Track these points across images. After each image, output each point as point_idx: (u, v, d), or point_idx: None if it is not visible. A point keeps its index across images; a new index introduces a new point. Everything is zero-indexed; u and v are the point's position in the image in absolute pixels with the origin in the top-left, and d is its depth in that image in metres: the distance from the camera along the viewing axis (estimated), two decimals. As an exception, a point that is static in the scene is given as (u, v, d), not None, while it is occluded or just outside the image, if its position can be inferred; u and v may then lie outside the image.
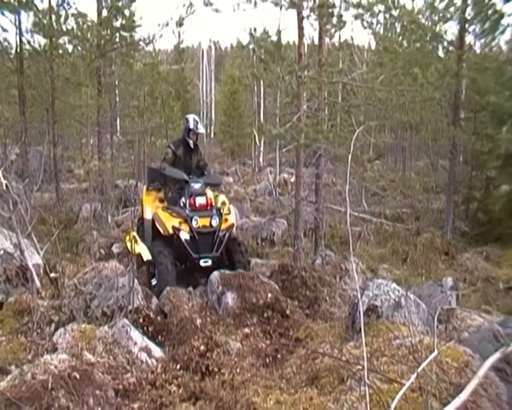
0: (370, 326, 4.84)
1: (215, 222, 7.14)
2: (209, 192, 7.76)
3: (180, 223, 7.05)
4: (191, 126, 7.75)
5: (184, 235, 6.98)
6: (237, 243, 7.58)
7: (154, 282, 6.97)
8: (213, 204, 7.45)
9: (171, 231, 7.01)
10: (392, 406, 3.12)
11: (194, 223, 7.02)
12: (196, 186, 7.40)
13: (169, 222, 7.08)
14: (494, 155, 12.01)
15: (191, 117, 7.93)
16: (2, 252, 6.14)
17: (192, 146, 7.89)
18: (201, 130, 7.95)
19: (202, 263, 6.98)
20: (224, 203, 7.51)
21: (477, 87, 12.33)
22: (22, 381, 3.81)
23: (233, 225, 7.46)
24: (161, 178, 7.84)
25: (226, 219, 7.31)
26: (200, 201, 7.27)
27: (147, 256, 6.85)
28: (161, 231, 7.16)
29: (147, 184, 8.37)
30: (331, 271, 7.91)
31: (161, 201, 7.79)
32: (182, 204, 7.32)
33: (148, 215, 7.73)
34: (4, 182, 6.19)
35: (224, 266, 7.10)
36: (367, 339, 4.32)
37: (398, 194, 16.47)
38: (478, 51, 13.53)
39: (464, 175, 13.62)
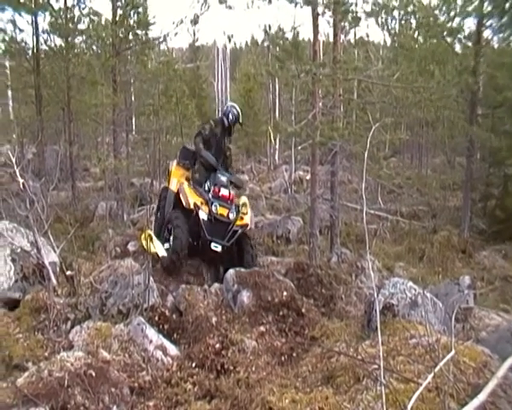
0: (386, 325, 4.81)
1: (232, 215, 7.51)
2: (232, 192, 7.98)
3: (202, 203, 7.45)
4: (225, 114, 8.23)
5: (203, 215, 7.36)
6: (247, 239, 7.85)
7: (166, 246, 7.27)
8: (234, 201, 7.77)
9: (192, 206, 7.39)
10: (409, 406, 3.08)
11: (213, 208, 7.41)
12: (223, 178, 7.77)
13: (192, 198, 7.49)
14: (512, 152, 11.85)
15: (228, 105, 8.64)
16: (19, 250, 6.20)
17: (226, 127, 8.24)
18: (230, 117, 8.18)
19: (213, 246, 7.33)
20: (244, 204, 7.80)
21: (494, 83, 12.19)
22: (39, 378, 3.85)
23: (247, 225, 7.73)
24: (192, 159, 8.27)
25: (242, 218, 7.64)
26: (223, 192, 7.62)
27: (162, 252, 6.99)
28: (183, 202, 7.52)
29: (178, 160, 8.68)
30: (347, 269, 7.87)
31: (187, 179, 8.04)
32: (206, 188, 7.72)
33: (173, 186, 8.11)
34: (21, 181, 6.25)
35: (232, 257, 7.60)
36: (383, 338, 4.28)
37: (414, 191, 16.30)
38: (495, 46, 13.35)
39: (482, 172, 13.47)
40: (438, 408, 3.37)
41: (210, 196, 7.55)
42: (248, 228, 7.86)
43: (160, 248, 7.10)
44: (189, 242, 7.39)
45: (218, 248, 7.36)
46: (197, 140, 8.00)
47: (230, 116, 8.17)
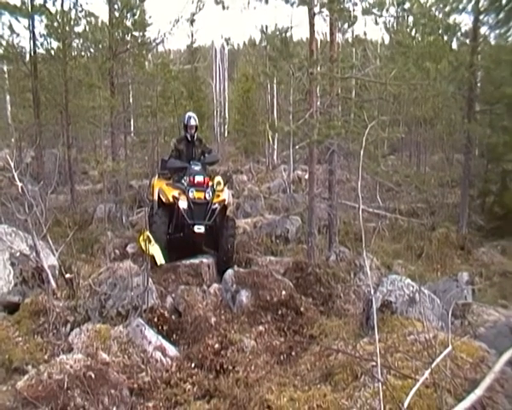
0: (385, 322, 4.83)
1: (208, 196, 8.11)
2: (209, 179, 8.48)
3: (179, 194, 8.06)
4: (185, 122, 8.87)
5: (182, 204, 7.98)
6: (227, 220, 8.48)
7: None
8: (209, 184, 8.28)
9: (171, 199, 8.06)
10: (406, 402, 3.10)
11: (190, 194, 8.02)
12: (196, 168, 8.39)
13: (170, 192, 8.15)
14: (510, 148, 11.82)
15: (186, 114, 9.06)
16: (18, 254, 6.21)
17: (190, 139, 8.82)
18: (192, 123, 8.78)
19: (196, 229, 7.90)
20: (219, 183, 8.32)
21: (492, 79, 12.19)
22: (39, 380, 3.86)
23: (224, 200, 8.35)
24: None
25: (218, 195, 8.25)
26: (198, 179, 8.20)
27: (160, 260, 7.11)
28: (163, 199, 8.21)
29: (159, 172, 9.41)
30: (345, 267, 7.87)
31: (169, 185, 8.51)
32: (183, 181, 8.28)
33: (156, 196, 8.62)
34: (20, 185, 6.26)
35: (214, 238, 8.22)
36: (381, 335, 4.30)
37: (412, 189, 16.26)
38: (493, 42, 13.34)
39: (480, 169, 13.49)
40: (435, 404, 3.39)
41: (186, 184, 8.14)
42: (226, 203, 8.45)
43: (158, 256, 7.21)
44: (176, 233, 8.08)
45: (202, 229, 7.92)
46: (167, 161, 8.80)
47: (189, 129, 8.79)
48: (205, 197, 8.08)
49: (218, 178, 8.48)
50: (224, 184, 8.59)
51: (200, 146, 8.96)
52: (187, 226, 7.93)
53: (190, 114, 9.04)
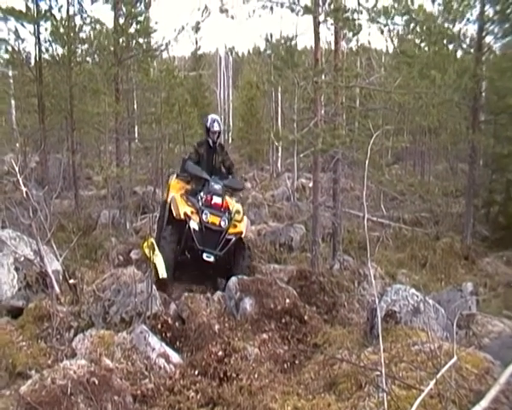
0: (389, 332, 4.81)
1: (224, 223, 7.38)
2: (228, 199, 7.90)
3: (192, 212, 7.33)
4: (208, 125, 8.12)
5: (193, 224, 7.24)
6: (243, 250, 7.69)
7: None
8: (228, 208, 7.64)
9: (182, 216, 7.29)
10: (411, 412, 3.08)
11: (204, 216, 7.30)
12: (216, 186, 7.64)
13: (182, 208, 7.38)
14: (515, 158, 11.84)
15: (210, 116, 8.39)
16: (22, 258, 6.22)
17: (212, 145, 8.17)
18: (216, 128, 8.13)
19: (205, 257, 7.20)
20: (238, 211, 7.70)
21: (496, 89, 12.19)
22: (42, 386, 3.85)
23: (241, 233, 7.59)
24: None
25: (235, 226, 7.52)
26: (216, 200, 7.50)
27: (162, 274, 6.89)
28: (174, 213, 7.45)
29: (178, 172, 8.69)
30: (349, 276, 7.85)
31: (187, 192, 7.97)
32: (199, 198, 7.56)
33: (169, 199, 7.97)
34: (24, 190, 6.28)
35: (229, 267, 7.42)
36: (385, 345, 4.28)
37: (416, 198, 16.28)
38: (498, 52, 13.34)
39: (484, 178, 13.47)
40: (440, 415, 3.37)
41: (201, 204, 7.46)
42: (243, 236, 7.70)
43: (161, 269, 7.01)
44: (183, 254, 7.50)
45: (211, 258, 7.21)
46: (187, 163, 8.05)
47: (211, 134, 8.15)
48: (219, 224, 7.35)
49: (238, 207, 7.91)
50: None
51: (221, 153, 8.31)
52: (196, 251, 7.26)
53: (214, 116, 8.43)
